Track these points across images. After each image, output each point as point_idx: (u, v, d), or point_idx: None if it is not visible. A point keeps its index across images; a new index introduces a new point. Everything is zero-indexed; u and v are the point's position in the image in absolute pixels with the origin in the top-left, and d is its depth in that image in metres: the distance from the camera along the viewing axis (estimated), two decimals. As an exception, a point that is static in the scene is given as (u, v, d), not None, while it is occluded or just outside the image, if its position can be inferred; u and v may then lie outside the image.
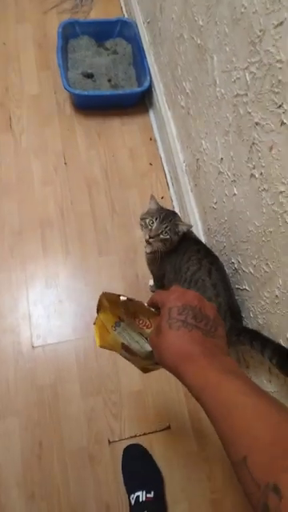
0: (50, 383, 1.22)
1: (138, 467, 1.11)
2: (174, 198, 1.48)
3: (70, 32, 1.68)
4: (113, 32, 1.72)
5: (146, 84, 1.50)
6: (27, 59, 1.73)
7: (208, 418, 0.41)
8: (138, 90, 1.54)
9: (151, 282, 1.31)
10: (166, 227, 1.00)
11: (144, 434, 1.17)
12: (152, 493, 1.07)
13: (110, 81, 1.62)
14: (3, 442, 1.15)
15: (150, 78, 1.51)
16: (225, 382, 0.40)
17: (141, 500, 1.05)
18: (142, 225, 1.04)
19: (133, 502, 1.06)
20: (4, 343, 1.26)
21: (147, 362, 0.58)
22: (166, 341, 0.46)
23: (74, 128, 1.60)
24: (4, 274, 1.35)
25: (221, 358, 0.44)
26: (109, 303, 0.57)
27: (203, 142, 1.07)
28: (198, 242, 1.09)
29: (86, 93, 1.52)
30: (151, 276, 1.26)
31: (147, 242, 1.02)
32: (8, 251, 1.38)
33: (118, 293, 0.55)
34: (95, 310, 0.60)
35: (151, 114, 1.63)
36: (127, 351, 0.59)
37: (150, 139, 1.60)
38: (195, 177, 1.21)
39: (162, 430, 1.18)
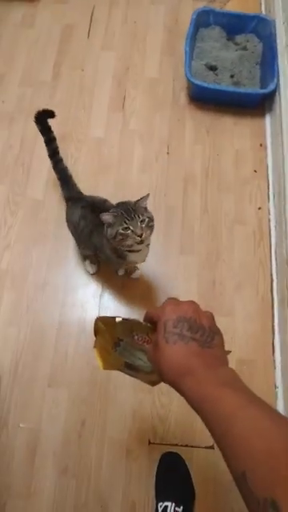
0: (105, 367, 1.21)
1: (174, 477, 1.08)
2: (272, 211, 1.39)
3: (202, 20, 1.63)
4: (246, 27, 1.64)
5: (272, 86, 1.41)
6: (153, 42, 1.72)
7: (208, 431, 0.41)
8: (262, 91, 1.46)
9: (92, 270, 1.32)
10: (138, 216, 0.96)
11: (186, 446, 1.13)
12: (181, 507, 1.02)
13: (232, 77, 1.55)
14: (50, 408, 1.18)
15: (278, 81, 1.42)
16: (222, 396, 0.40)
17: (168, 511, 1.01)
18: (121, 239, 0.97)
19: (160, 510, 1.02)
20: (71, 316, 1.28)
21: (153, 376, 0.57)
22: (163, 356, 0.46)
23: (184, 119, 1.56)
24: (85, 250, 1.36)
25: (218, 369, 0.44)
26: (105, 326, 0.57)
27: None
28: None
29: (206, 85, 1.46)
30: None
31: (141, 241, 0.97)
32: (94, 228, 1.39)
33: (114, 315, 0.56)
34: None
35: (267, 118, 1.53)
36: (131, 369, 0.59)
37: (260, 145, 1.51)
38: (306, 196, 1.12)
39: (206, 447, 1.13)
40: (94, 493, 1.10)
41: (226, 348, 0.49)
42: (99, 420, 1.16)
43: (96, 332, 0.59)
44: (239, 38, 1.64)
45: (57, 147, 1.24)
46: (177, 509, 1.02)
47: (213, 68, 1.56)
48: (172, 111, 1.58)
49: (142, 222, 0.96)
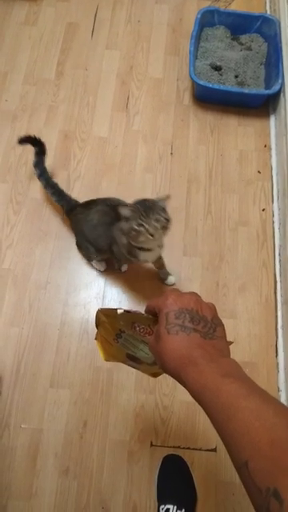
0: (108, 368, 1.21)
1: (176, 480, 1.07)
2: (276, 212, 1.38)
3: (207, 20, 1.62)
4: (251, 27, 1.63)
5: (277, 87, 1.40)
6: (157, 41, 1.70)
7: (210, 422, 0.41)
8: (266, 92, 1.45)
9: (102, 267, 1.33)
10: (154, 215, 0.96)
11: (188, 448, 1.12)
12: (183, 510, 1.02)
13: (236, 77, 1.54)
14: (52, 409, 1.17)
15: (283, 81, 1.41)
16: (224, 386, 0.40)
17: (170, 514, 1.01)
18: (135, 235, 0.98)
19: (162, 512, 1.02)
20: (73, 316, 1.28)
21: (155, 367, 0.58)
22: (165, 347, 0.46)
23: (188, 119, 1.55)
24: (88, 250, 1.36)
25: (220, 360, 0.44)
26: (107, 318, 0.57)
27: None
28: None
29: (210, 85, 1.45)
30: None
31: (151, 237, 0.97)
32: (97, 228, 1.39)
33: (115, 307, 0.56)
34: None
35: (272, 119, 1.53)
36: (133, 360, 0.59)
37: (265, 146, 1.50)
38: (311, 198, 1.11)
39: (208, 450, 1.12)
40: (95, 494, 1.10)
41: (228, 339, 0.49)
42: (101, 421, 1.16)
43: (97, 324, 0.59)
44: (244, 38, 1.63)
45: (45, 168, 1.32)
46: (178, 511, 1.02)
47: (217, 68, 1.55)
48: (176, 111, 1.57)
49: (156, 221, 0.97)
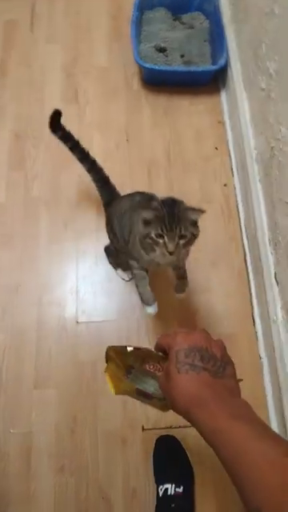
0: (91, 360, 1.21)
1: (171, 460, 1.09)
2: (237, 186, 1.40)
3: (146, 3, 1.61)
4: (191, 5, 1.63)
5: (222, 62, 1.41)
6: (99, 30, 1.69)
7: (221, 463, 0.41)
8: (213, 67, 1.46)
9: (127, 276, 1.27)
10: (180, 229, 0.78)
11: (179, 427, 1.14)
12: (181, 488, 1.04)
13: (182, 56, 1.55)
14: (40, 410, 1.16)
15: (228, 56, 1.42)
16: (234, 429, 0.40)
17: (169, 493, 1.02)
18: (150, 243, 0.81)
19: (161, 493, 1.04)
20: (49, 316, 1.26)
21: (166, 402, 0.58)
22: (175, 386, 0.46)
23: (140, 104, 1.55)
24: (56, 246, 1.34)
25: (231, 400, 0.44)
26: (116, 355, 0.58)
27: (283, 128, 0.98)
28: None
29: (157, 67, 1.45)
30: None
31: (169, 254, 0.80)
32: (62, 224, 1.37)
33: (124, 344, 0.57)
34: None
35: (223, 95, 1.54)
36: (143, 395, 0.60)
37: (219, 122, 1.51)
38: (267, 166, 1.13)
39: (199, 425, 1.14)
40: (93, 486, 1.10)
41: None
42: (90, 413, 1.16)
43: (107, 360, 0.59)
44: (185, 17, 1.63)
45: (84, 150, 1.15)
46: (177, 489, 1.03)
47: (162, 50, 1.55)
48: (127, 98, 1.56)
49: (181, 237, 0.79)
